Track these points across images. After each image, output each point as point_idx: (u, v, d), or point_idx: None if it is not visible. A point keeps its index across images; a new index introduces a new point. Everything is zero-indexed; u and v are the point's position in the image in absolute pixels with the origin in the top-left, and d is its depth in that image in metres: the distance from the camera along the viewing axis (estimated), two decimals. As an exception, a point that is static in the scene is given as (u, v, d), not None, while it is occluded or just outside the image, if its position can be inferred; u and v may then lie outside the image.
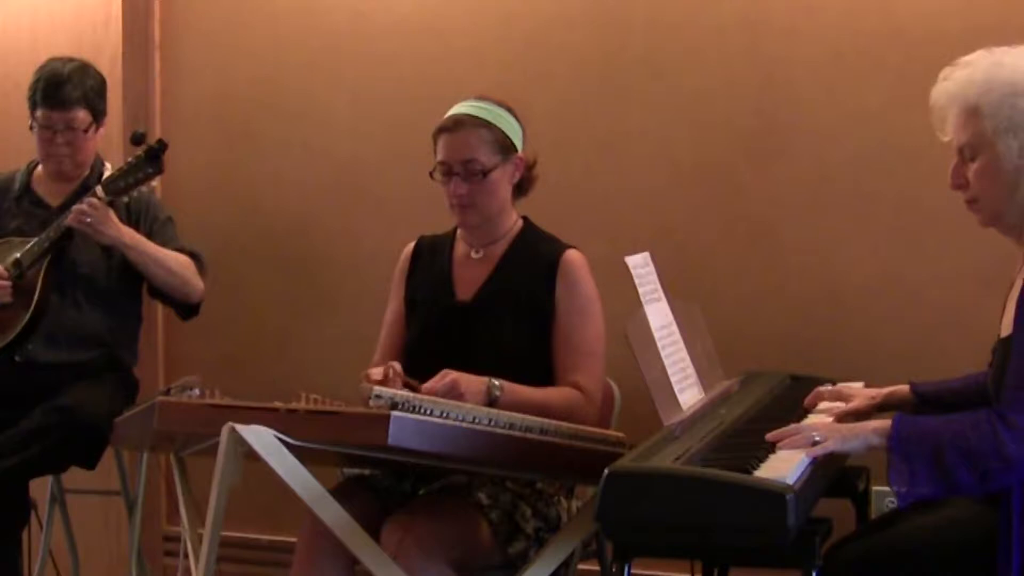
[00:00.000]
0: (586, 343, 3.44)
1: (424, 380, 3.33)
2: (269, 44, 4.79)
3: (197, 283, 4.21)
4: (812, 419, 3.14)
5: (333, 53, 4.70)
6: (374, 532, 3.03)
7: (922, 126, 3.73)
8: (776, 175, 4.15)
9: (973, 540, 2.73)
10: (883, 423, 2.74)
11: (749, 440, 2.89)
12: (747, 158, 4.18)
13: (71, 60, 4.20)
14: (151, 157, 4.00)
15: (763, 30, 4.16)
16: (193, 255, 4.23)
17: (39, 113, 4.15)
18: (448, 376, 3.20)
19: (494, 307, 3.47)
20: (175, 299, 4.23)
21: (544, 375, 3.41)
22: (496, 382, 3.26)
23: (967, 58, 2.81)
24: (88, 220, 3.97)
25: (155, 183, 4.11)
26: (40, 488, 4.23)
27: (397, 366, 3.29)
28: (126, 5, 4.95)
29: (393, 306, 3.67)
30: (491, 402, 3.22)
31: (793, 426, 2.86)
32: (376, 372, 3.24)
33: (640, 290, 3.12)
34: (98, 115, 4.21)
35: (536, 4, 4.42)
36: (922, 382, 3.24)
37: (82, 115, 4.15)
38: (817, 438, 2.76)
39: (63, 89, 4.11)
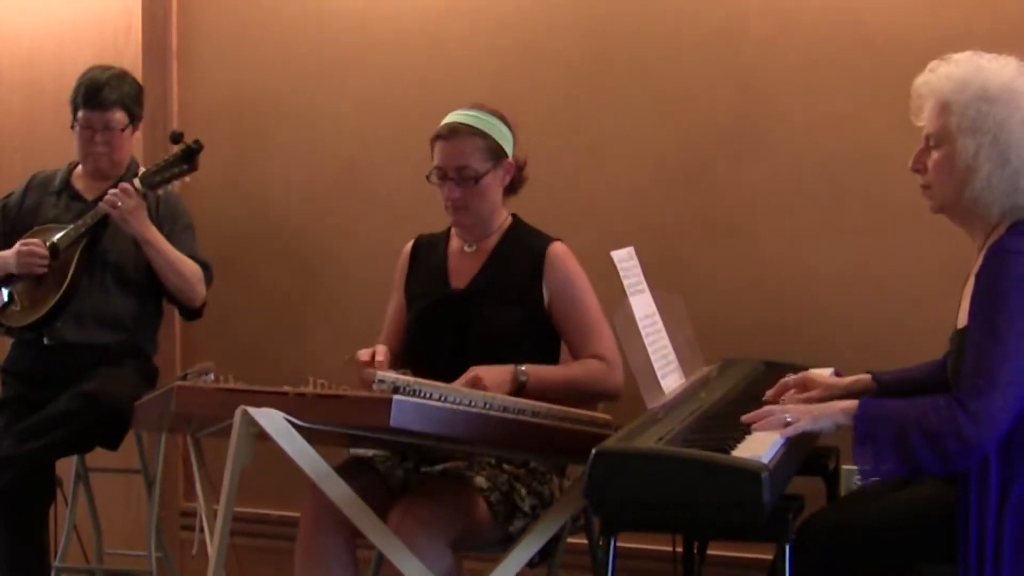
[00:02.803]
0: (590, 317, 3.48)
1: (423, 361, 3.37)
2: (279, 53, 4.78)
3: (200, 290, 4.21)
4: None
5: (339, 61, 4.69)
6: (376, 510, 3.03)
7: (890, 129, 3.78)
8: (753, 174, 4.15)
9: (935, 516, 2.74)
10: (850, 404, 2.75)
11: (727, 422, 2.90)
12: (726, 158, 4.18)
13: (110, 68, 4.24)
14: (187, 156, 4.05)
15: (741, 39, 4.15)
16: (203, 265, 4.24)
17: (80, 114, 4.17)
18: (471, 372, 3.24)
19: (486, 294, 3.50)
20: (178, 300, 4.24)
21: (530, 356, 3.42)
22: (523, 368, 3.31)
23: (955, 56, 2.82)
24: (119, 205, 3.99)
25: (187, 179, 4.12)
26: (65, 467, 4.24)
27: (382, 349, 3.34)
28: (146, 16, 4.95)
29: (394, 300, 3.71)
30: (518, 387, 3.25)
31: (766, 408, 2.86)
32: (364, 353, 3.26)
33: (625, 282, 3.13)
34: (134, 117, 4.23)
35: (528, 15, 4.41)
36: (883, 372, 3.24)
37: (119, 116, 4.17)
38: (789, 419, 2.77)
39: (102, 92, 4.14)
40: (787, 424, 2.75)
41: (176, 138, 4.08)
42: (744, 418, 2.83)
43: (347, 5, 4.68)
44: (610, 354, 3.45)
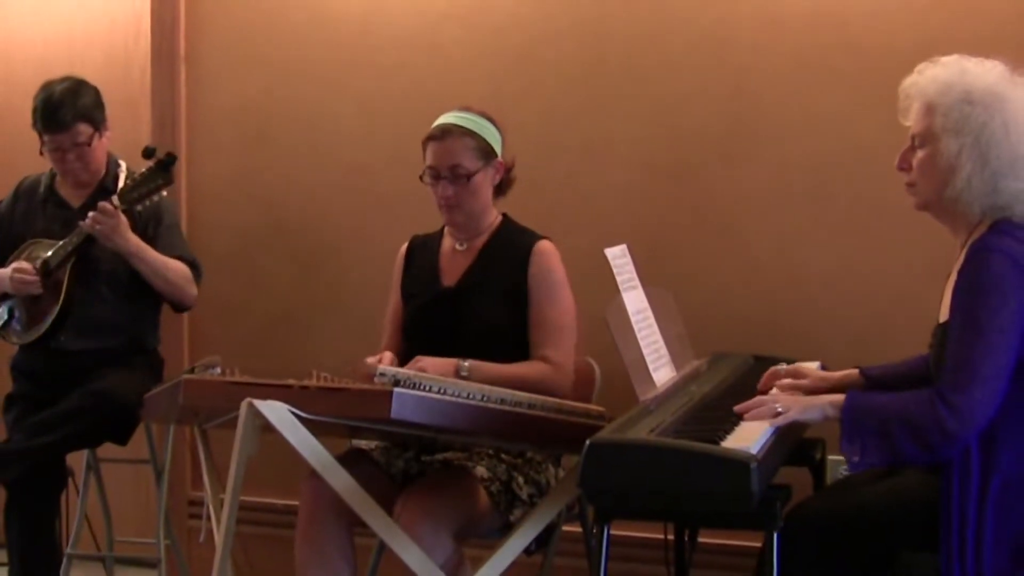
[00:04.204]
0: (554, 320, 3.46)
1: (419, 355, 3.36)
2: (284, 57, 4.78)
3: (190, 291, 4.19)
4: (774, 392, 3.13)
5: (341, 66, 4.69)
6: (378, 499, 3.03)
7: (876, 130, 3.78)
8: (742, 174, 4.14)
9: (919, 506, 2.74)
10: (838, 396, 2.77)
11: (717, 414, 2.90)
12: (716, 159, 4.17)
13: (63, 81, 4.12)
14: (162, 169, 3.96)
15: (731, 44, 4.15)
16: (191, 264, 4.20)
17: (46, 138, 4.10)
18: (417, 363, 3.24)
19: (476, 292, 3.50)
20: (169, 301, 4.23)
21: (522, 351, 3.43)
22: (465, 363, 3.29)
23: (943, 59, 2.82)
24: (99, 227, 3.95)
25: (165, 192, 4.08)
26: (77, 457, 4.23)
27: (388, 356, 3.37)
28: (155, 22, 4.94)
29: (393, 299, 3.71)
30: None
31: (757, 398, 2.87)
32: (372, 360, 3.26)
33: (618, 279, 3.12)
34: (98, 124, 4.13)
35: (525, 21, 4.40)
36: (871, 367, 3.24)
37: (83, 129, 4.08)
38: (779, 408, 2.78)
39: (59, 113, 4.04)
40: (777, 414, 2.76)
41: (149, 153, 3.97)
42: (737, 408, 2.84)
43: (349, 12, 4.67)
44: (559, 359, 3.42)
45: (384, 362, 3.28)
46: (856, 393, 2.80)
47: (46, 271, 4.06)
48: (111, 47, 5.12)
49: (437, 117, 3.55)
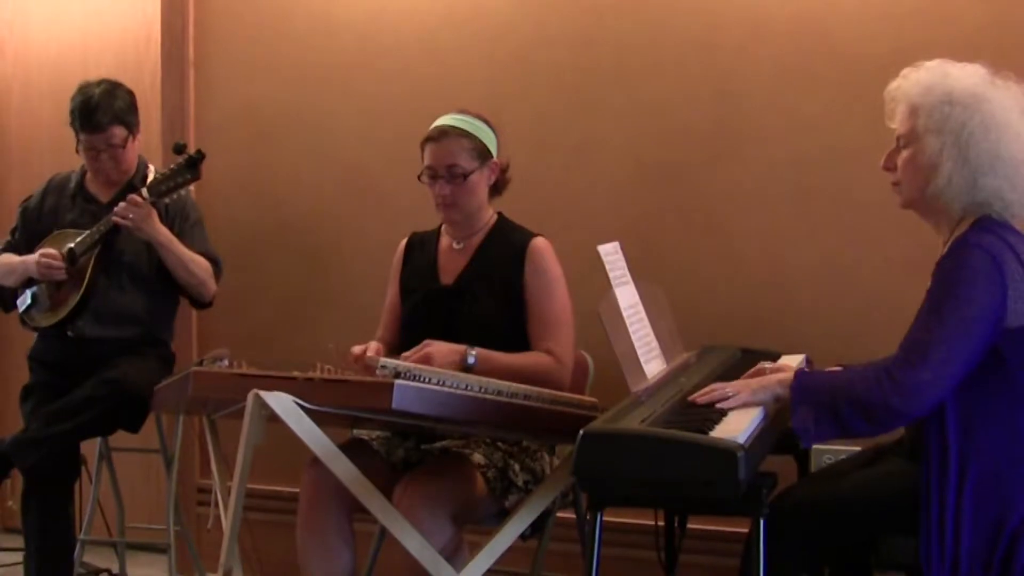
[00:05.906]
0: (553, 314, 3.45)
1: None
2: (289, 62, 4.77)
3: (211, 286, 4.19)
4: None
5: (344, 70, 4.68)
6: (379, 486, 3.02)
7: (856, 131, 3.77)
8: (729, 175, 4.14)
9: (899, 492, 2.74)
10: (787, 376, 2.82)
11: (705, 405, 2.89)
12: (703, 160, 4.17)
13: (100, 83, 4.13)
14: (190, 165, 3.98)
15: (717, 49, 4.14)
16: (213, 260, 4.21)
17: (82, 137, 4.11)
18: (424, 348, 3.22)
19: (473, 289, 3.49)
20: (189, 295, 4.22)
21: (517, 346, 3.41)
22: (472, 351, 3.28)
23: (926, 63, 2.82)
24: (131, 216, 3.96)
25: (192, 187, 4.09)
26: (90, 446, 4.22)
27: (374, 346, 3.35)
28: (164, 27, 4.93)
29: (391, 293, 3.70)
30: (466, 369, 3.23)
31: (711, 386, 2.90)
32: (357, 349, 3.27)
33: (610, 275, 3.12)
34: (132, 128, 4.15)
35: (519, 27, 4.40)
36: (855, 365, 3.23)
37: (118, 131, 4.10)
38: (730, 392, 2.81)
39: (96, 114, 4.05)
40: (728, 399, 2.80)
41: (179, 148, 3.99)
42: (691, 397, 2.87)
43: (351, 18, 4.66)
44: (561, 352, 3.41)
45: (370, 351, 3.27)
46: (804, 372, 2.82)
47: (71, 259, 4.07)
48: (123, 52, 5.10)
49: (435, 119, 3.54)
